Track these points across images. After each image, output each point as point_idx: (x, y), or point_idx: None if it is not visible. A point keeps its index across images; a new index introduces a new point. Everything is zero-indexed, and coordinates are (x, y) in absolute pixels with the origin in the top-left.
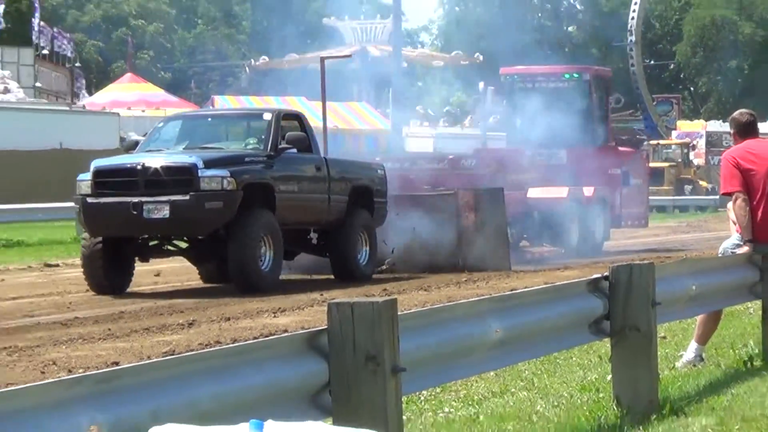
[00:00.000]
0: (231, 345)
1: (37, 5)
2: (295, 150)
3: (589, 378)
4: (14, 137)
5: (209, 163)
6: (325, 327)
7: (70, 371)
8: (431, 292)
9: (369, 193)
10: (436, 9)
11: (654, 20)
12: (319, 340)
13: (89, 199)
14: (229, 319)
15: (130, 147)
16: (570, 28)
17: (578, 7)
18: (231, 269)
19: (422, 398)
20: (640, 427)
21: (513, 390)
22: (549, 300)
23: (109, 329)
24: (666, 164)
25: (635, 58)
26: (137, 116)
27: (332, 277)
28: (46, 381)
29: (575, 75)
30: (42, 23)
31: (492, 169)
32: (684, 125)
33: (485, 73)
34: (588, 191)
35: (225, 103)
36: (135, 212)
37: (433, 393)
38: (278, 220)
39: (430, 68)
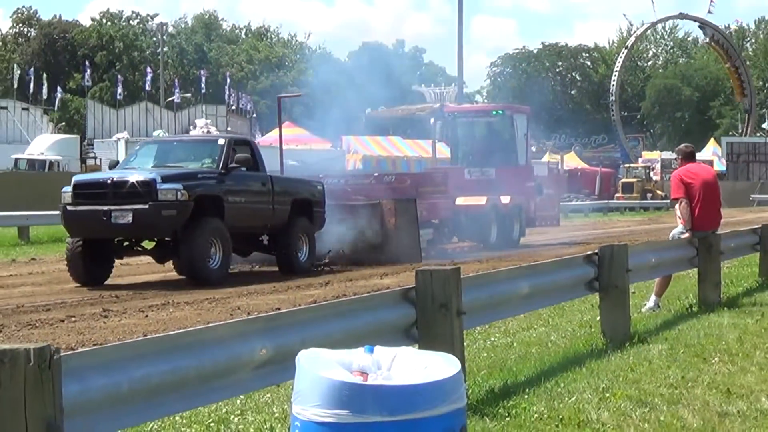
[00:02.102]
0: (353, 297)
1: (228, 77)
2: (244, 169)
3: (585, 319)
4: None
5: (166, 179)
6: (413, 285)
7: (248, 313)
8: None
9: (308, 203)
10: (485, 80)
11: (627, 86)
12: (409, 294)
13: (69, 207)
14: (351, 280)
15: (113, 165)
16: (573, 91)
17: (578, 78)
18: (181, 266)
19: (476, 332)
20: (619, 351)
21: (535, 326)
22: (560, 268)
23: (274, 286)
24: (635, 180)
25: (615, 111)
26: (292, 149)
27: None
28: (234, 320)
29: (500, 111)
30: (231, 89)
31: (406, 184)
32: (647, 154)
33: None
34: (505, 199)
35: (351, 143)
36: (105, 218)
37: (483, 328)
38: (227, 225)
39: None
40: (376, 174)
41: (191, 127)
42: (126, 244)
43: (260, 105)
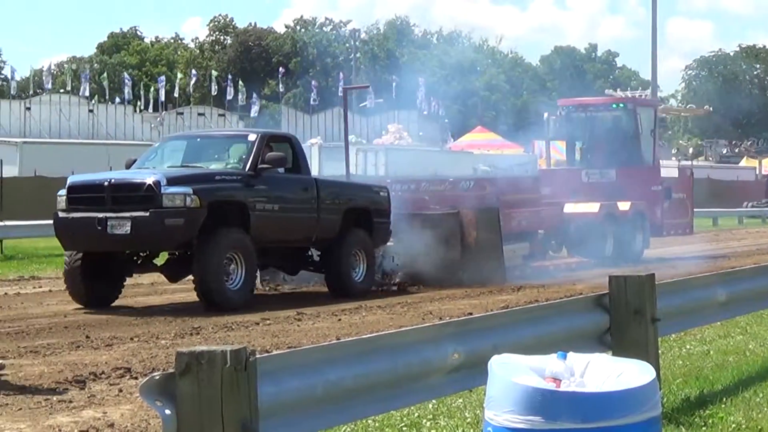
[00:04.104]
0: (545, 302)
1: (420, 83)
2: (281, 170)
3: None
4: (404, 169)
5: (173, 181)
6: (607, 292)
7: (440, 318)
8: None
9: (367, 213)
10: (679, 83)
11: None
12: (603, 299)
13: (61, 214)
14: (543, 286)
15: (129, 164)
16: None
17: None
18: (196, 286)
19: (671, 339)
20: None
21: (732, 335)
22: (759, 274)
23: (466, 291)
24: None
25: None
26: (485, 154)
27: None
28: (426, 324)
29: (622, 104)
30: (423, 95)
31: (485, 191)
32: None
33: (709, 120)
34: (624, 205)
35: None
36: (99, 228)
37: (679, 336)
38: (254, 238)
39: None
40: (451, 179)
41: (383, 132)
42: (135, 258)
43: (452, 110)
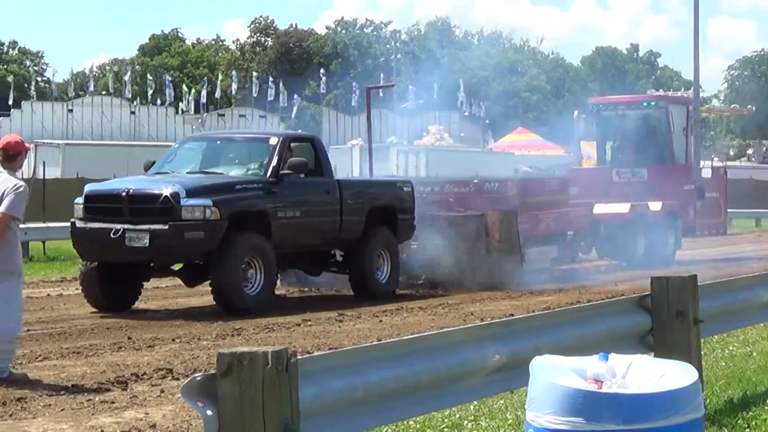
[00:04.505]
0: (587, 303)
1: (461, 84)
2: (302, 174)
3: None
4: (445, 170)
5: (192, 192)
6: (649, 293)
7: (482, 319)
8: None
9: (391, 211)
10: (722, 83)
11: None
12: (645, 301)
13: (78, 224)
14: (585, 287)
15: (148, 166)
16: None
17: None
18: (213, 292)
19: (714, 340)
20: None
21: None
22: None
23: (507, 293)
24: None
25: None
26: (524, 155)
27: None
28: (467, 325)
29: (654, 102)
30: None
31: (511, 193)
32: None
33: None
34: (655, 205)
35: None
36: (117, 240)
37: (721, 337)
38: (276, 244)
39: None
40: (476, 180)
41: (424, 133)
42: (152, 264)
43: (493, 111)
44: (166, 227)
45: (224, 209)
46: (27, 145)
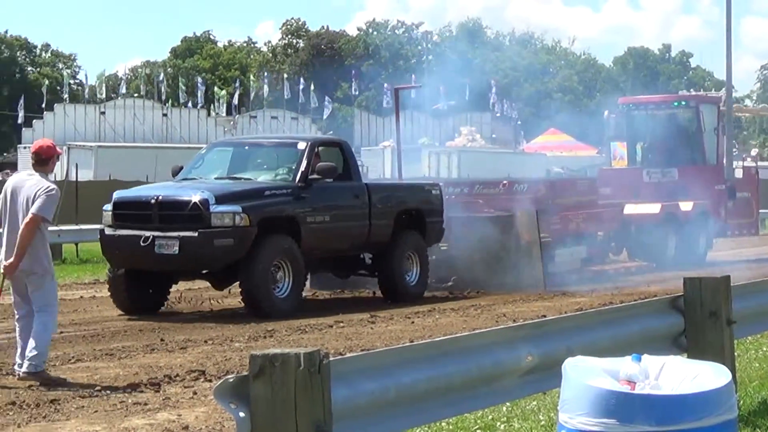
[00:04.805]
0: (619, 305)
1: (493, 84)
2: (330, 179)
3: None
4: (477, 172)
5: (221, 199)
6: (681, 294)
7: (514, 320)
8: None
9: (420, 214)
10: (755, 83)
11: None
12: (677, 302)
13: (107, 231)
14: (617, 287)
15: (176, 171)
16: None
17: None
18: (243, 294)
19: (747, 341)
20: None
21: None
22: None
23: (540, 294)
24: None
25: None
26: (557, 156)
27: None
28: (500, 326)
29: (684, 102)
30: (495, 96)
31: (541, 193)
32: None
33: None
34: (686, 206)
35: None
36: (146, 247)
37: (755, 338)
38: (305, 248)
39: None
40: (505, 181)
41: (456, 134)
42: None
43: (525, 112)
44: (196, 234)
45: (254, 216)
46: (59, 149)
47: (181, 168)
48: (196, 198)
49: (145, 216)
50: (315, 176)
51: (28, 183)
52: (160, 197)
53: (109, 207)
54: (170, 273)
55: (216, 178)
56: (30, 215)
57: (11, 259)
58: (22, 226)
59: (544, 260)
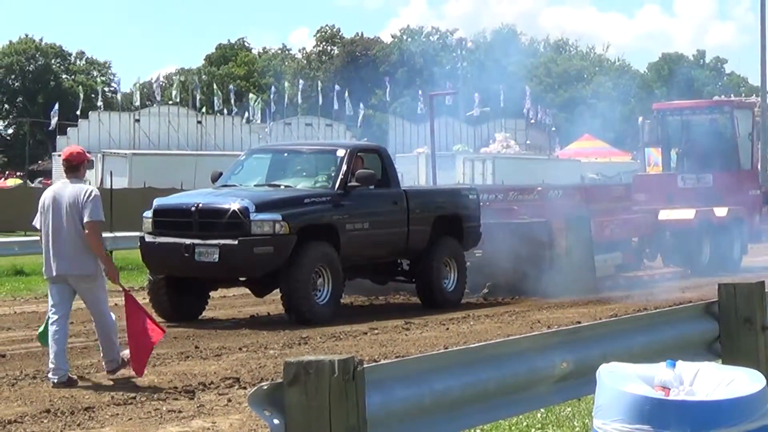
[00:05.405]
0: (654, 311)
1: (527, 91)
2: (372, 186)
3: None
4: (511, 178)
5: (261, 206)
6: (716, 300)
7: (548, 327)
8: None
9: (457, 219)
10: None
11: None
12: (712, 308)
13: (147, 238)
14: (651, 293)
15: (215, 177)
16: None
17: None
18: (283, 301)
19: None
20: None
21: None
22: None
23: (573, 300)
24: None
25: None
26: (591, 162)
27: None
28: (534, 333)
29: (719, 108)
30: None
31: (576, 199)
32: None
33: None
34: (721, 211)
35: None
36: (187, 254)
37: None
38: (344, 255)
39: None
40: (539, 188)
41: (490, 141)
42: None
43: (559, 118)
44: (236, 242)
45: (293, 223)
46: (88, 155)
47: (221, 173)
48: (235, 206)
49: (185, 223)
50: (354, 183)
51: (68, 191)
52: (200, 205)
53: (149, 214)
54: (210, 280)
55: (255, 185)
56: (87, 225)
57: (107, 269)
58: (87, 239)
59: (584, 266)
